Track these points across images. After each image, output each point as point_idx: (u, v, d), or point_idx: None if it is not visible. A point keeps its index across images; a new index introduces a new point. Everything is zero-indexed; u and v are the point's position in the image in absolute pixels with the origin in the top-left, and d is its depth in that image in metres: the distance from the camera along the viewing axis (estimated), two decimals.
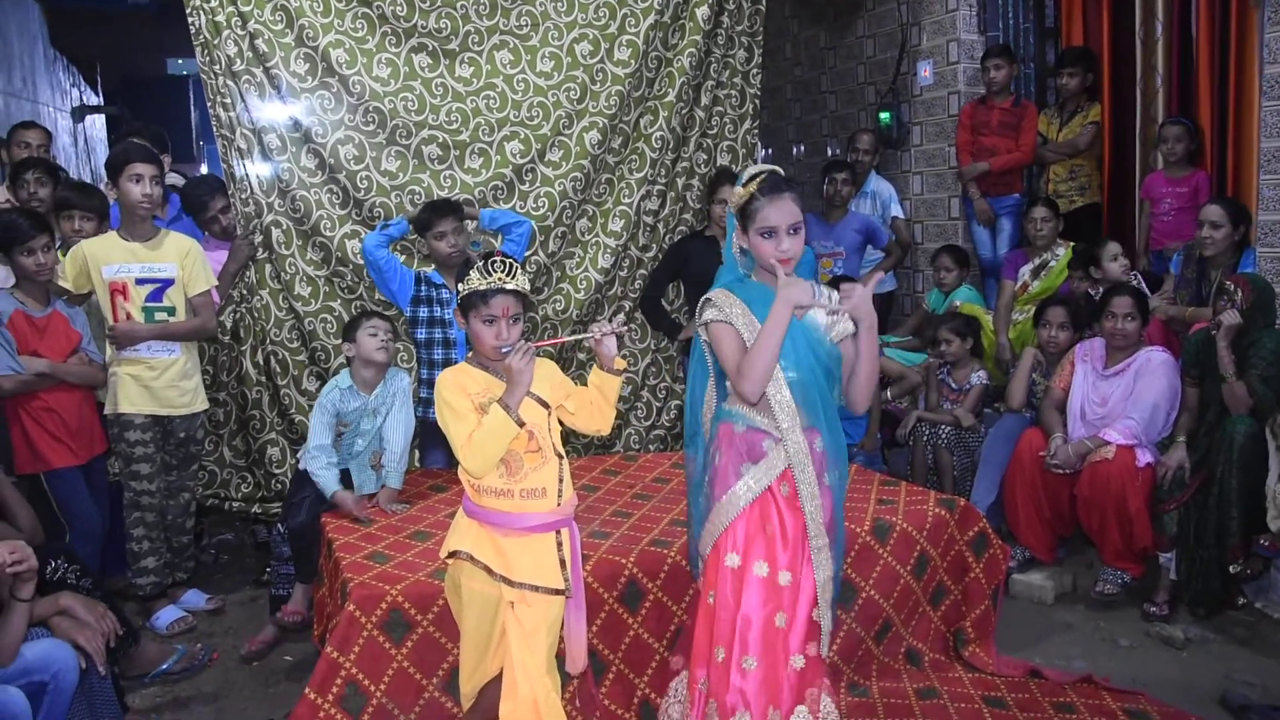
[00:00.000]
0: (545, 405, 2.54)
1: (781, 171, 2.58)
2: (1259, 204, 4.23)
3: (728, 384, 2.58)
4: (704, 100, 4.98)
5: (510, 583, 2.45)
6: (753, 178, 2.54)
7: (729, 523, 2.51)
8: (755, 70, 5.09)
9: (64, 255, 3.95)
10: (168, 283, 3.88)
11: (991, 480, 4.35)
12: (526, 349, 2.41)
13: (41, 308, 3.77)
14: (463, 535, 2.53)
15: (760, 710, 2.43)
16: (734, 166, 5.05)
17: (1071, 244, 5.13)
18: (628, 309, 4.90)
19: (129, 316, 3.84)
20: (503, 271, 2.47)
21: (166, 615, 3.96)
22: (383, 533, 3.35)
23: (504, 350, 2.44)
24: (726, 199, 4.53)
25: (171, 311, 3.90)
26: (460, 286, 2.53)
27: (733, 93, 5.06)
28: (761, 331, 2.44)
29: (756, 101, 5.13)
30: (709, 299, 2.56)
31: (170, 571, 4.08)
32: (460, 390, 2.49)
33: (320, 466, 3.60)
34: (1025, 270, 5.21)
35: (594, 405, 2.62)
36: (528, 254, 4.47)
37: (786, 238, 2.48)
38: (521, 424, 2.42)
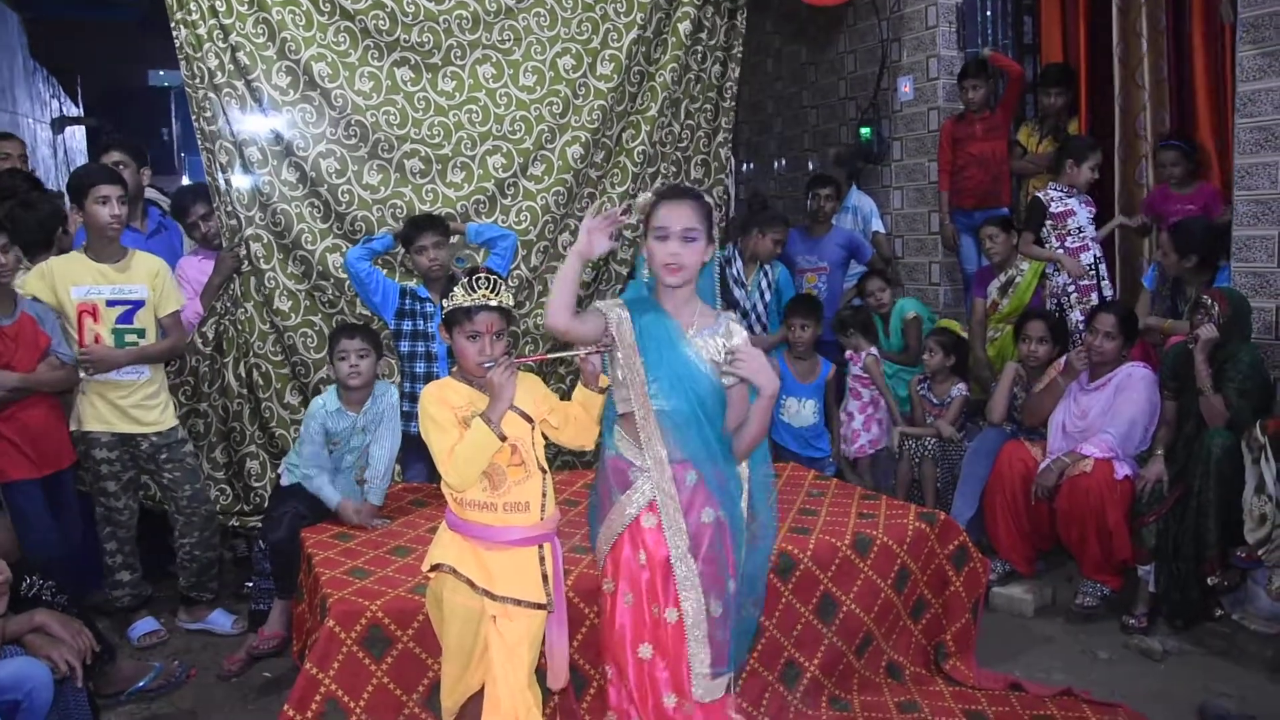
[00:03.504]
0: (529, 419, 2.54)
1: (695, 189, 2.60)
2: (1235, 219, 4.28)
3: (615, 402, 2.51)
4: (681, 115, 5.01)
5: (493, 596, 2.46)
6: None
7: (607, 551, 2.50)
8: (730, 85, 5.11)
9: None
10: (138, 304, 3.83)
11: (972, 494, 4.37)
12: (509, 364, 2.43)
13: (8, 314, 3.60)
14: (445, 548, 2.53)
15: None
16: (706, 180, 5.08)
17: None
18: None
19: (98, 339, 3.77)
20: (487, 288, 2.49)
21: (141, 627, 3.94)
22: (363, 548, 3.33)
23: (487, 366, 2.45)
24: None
25: (141, 333, 3.85)
26: (445, 302, 2.54)
27: (707, 106, 5.09)
28: (559, 273, 2.44)
29: (731, 115, 5.16)
30: (598, 304, 2.52)
31: (200, 584, 4.05)
32: (444, 403, 2.50)
33: (320, 484, 3.60)
34: (993, 287, 5.23)
35: (578, 420, 2.62)
36: (511, 268, 4.47)
37: (677, 241, 2.40)
38: (504, 438, 2.43)
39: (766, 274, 5.34)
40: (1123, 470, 3.93)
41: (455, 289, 2.51)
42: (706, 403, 2.42)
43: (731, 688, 2.54)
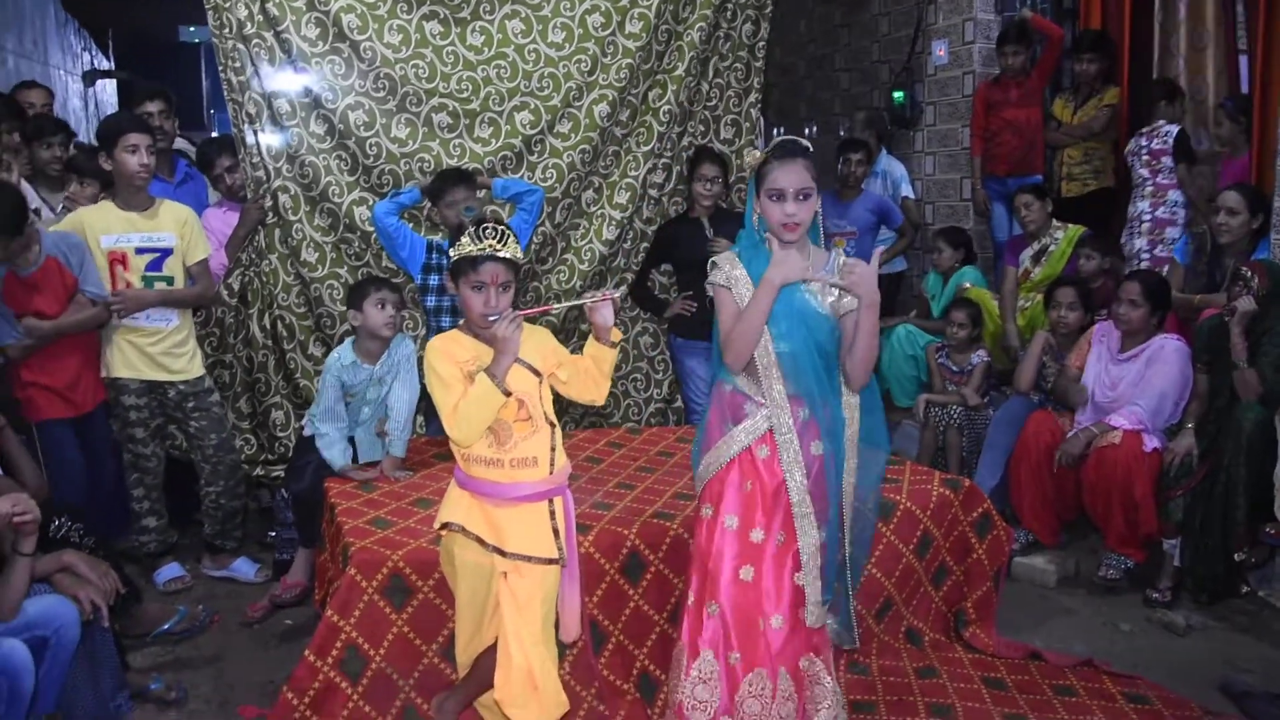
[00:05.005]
0: (536, 373, 2.51)
1: (805, 142, 2.57)
2: (1277, 190, 4.18)
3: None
4: (709, 74, 4.94)
5: (503, 553, 2.44)
6: (772, 143, 2.56)
7: (710, 477, 2.59)
8: (761, 44, 5.03)
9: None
10: (167, 252, 3.84)
11: (996, 462, 4.33)
12: (514, 317, 2.38)
13: (29, 263, 3.59)
14: (454, 506, 2.51)
15: (720, 653, 2.52)
16: (737, 140, 5.02)
17: (1070, 225, 5.07)
18: (630, 281, 4.88)
19: (128, 285, 3.80)
20: (494, 238, 2.43)
21: (166, 572, 4.00)
22: (385, 499, 3.35)
23: (491, 318, 2.41)
24: (706, 175, 4.56)
25: (170, 281, 3.87)
26: (452, 252, 2.49)
27: (738, 65, 5.00)
28: (746, 308, 2.49)
29: (761, 76, 5.09)
30: (716, 262, 2.61)
31: (224, 532, 4.11)
32: (448, 358, 2.46)
33: (330, 442, 3.60)
34: (1026, 255, 5.15)
35: (588, 374, 2.59)
36: (536, 223, 4.44)
37: (793, 202, 2.48)
38: (508, 393, 2.40)
39: None
40: (1151, 443, 3.88)
41: (462, 238, 2.46)
42: (824, 345, 2.54)
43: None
